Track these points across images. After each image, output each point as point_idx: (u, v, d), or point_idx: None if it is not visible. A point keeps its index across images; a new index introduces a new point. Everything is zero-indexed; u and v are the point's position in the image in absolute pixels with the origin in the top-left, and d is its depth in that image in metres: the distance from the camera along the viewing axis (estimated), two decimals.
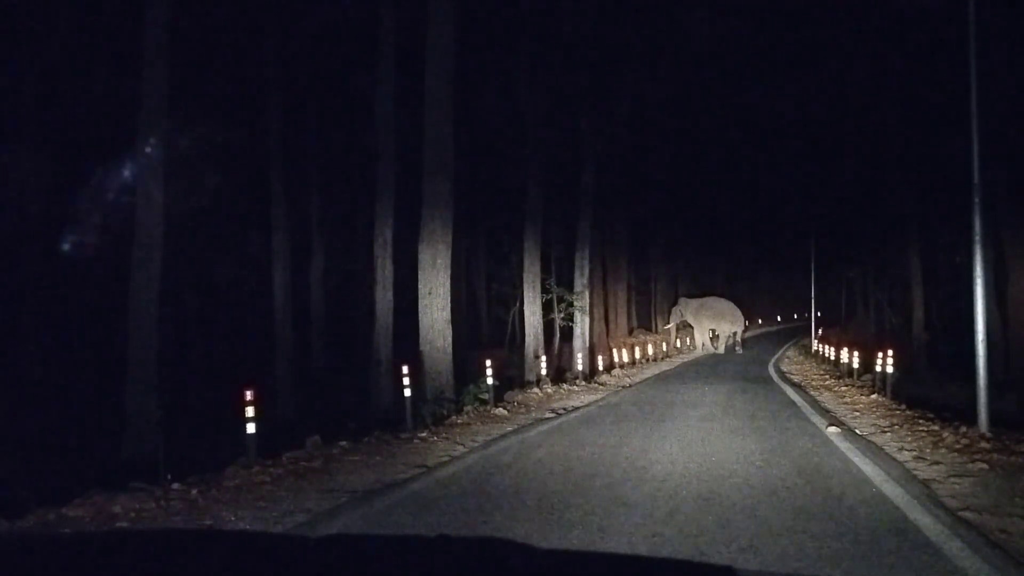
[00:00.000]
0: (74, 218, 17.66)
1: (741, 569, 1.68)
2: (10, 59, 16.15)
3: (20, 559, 1.51)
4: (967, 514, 5.34)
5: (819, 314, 37.11)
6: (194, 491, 5.94)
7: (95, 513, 5.18)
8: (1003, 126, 17.48)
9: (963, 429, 8.73)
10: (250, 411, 7.15)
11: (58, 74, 16.89)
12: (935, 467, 7.09)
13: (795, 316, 59.21)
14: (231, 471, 6.61)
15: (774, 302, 64.81)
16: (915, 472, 6.90)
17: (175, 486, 6.00)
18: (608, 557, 2.34)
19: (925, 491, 6.09)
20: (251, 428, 7.13)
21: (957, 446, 8.02)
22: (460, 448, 8.48)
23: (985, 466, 6.96)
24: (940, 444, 8.24)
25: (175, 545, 1.73)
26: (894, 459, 7.58)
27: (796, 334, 42.95)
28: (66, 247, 17.22)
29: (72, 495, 5.53)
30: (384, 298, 14.68)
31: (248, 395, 7.19)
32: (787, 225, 42.74)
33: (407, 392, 10.08)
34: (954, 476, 6.64)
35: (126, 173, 13.60)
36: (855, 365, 17.35)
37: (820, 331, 33.54)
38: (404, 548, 1.73)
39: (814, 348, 29.42)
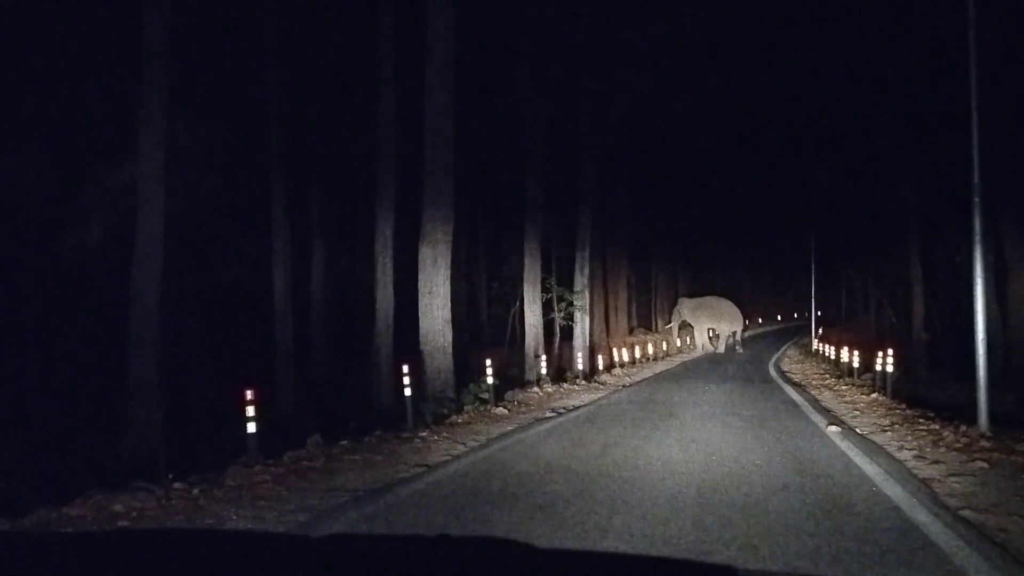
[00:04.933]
0: (75, 218, 17.66)
1: (741, 569, 1.66)
2: (11, 58, 16.16)
3: (19, 559, 1.50)
4: (967, 513, 5.34)
5: (819, 313, 37.14)
6: (195, 490, 5.95)
7: (96, 512, 5.19)
8: (1004, 125, 17.48)
9: (963, 428, 8.74)
10: (251, 410, 7.16)
11: (59, 73, 16.89)
12: (935, 466, 7.09)
13: (795, 315, 59.25)
14: (232, 470, 6.62)
15: (774, 301, 64.83)
16: (915, 471, 6.91)
17: (176, 485, 6.01)
18: (608, 557, 2.32)
19: (925, 490, 6.10)
20: (252, 427, 7.14)
21: (957, 445, 8.03)
22: (461, 447, 8.50)
23: (985, 465, 6.96)
24: (940, 443, 8.26)
25: (175, 545, 1.72)
26: (894, 458, 7.59)
27: (796, 333, 42.98)
28: (67, 247, 17.22)
29: (73, 494, 5.52)
30: (384, 297, 14.70)
31: (248, 395, 7.21)
32: (787, 224, 42.75)
33: (408, 391, 10.09)
34: (954, 475, 6.64)
35: (127, 173, 13.60)
36: (855, 364, 17.37)
37: (820, 330, 33.57)
38: (404, 548, 1.72)
39: (814, 347, 29.46)
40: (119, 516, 5.15)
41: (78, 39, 16.82)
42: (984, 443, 7.96)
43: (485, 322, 30.97)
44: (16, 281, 16.64)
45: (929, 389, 15.72)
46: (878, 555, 4.40)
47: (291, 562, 1.54)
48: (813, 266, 34.99)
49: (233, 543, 1.91)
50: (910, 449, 8.06)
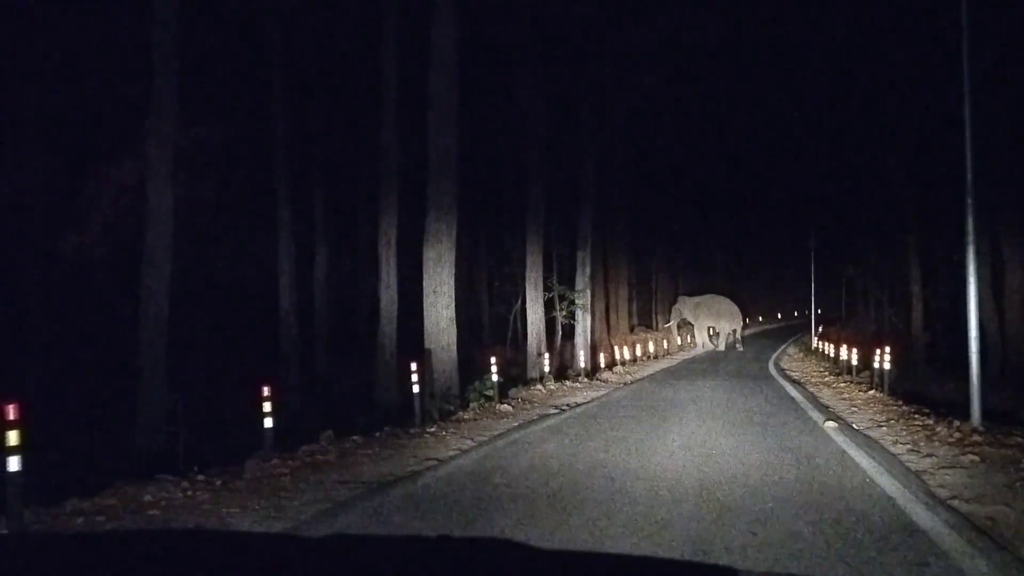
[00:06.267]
0: (81, 217, 17.88)
1: (742, 570, 1.73)
2: (19, 59, 16.36)
3: (20, 560, 1.52)
4: (956, 503, 5.59)
5: (819, 312, 37.39)
6: (218, 482, 6.20)
7: (127, 502, 5.44)
8: (1002, 123, 17.69)
9: (956, 423, 8.98)
10: (267, 406, 7.42)
11: (64, 73, 17.07)
12: (928, 459, 7.35)
13: (795, 314, 59.52)
14: (251, 463, 6.87)
15: (775, 300, 65.13)
16: (908, 464, 7.16)
17: (199, 477, 6.26)
18: (609, 558, 2.31)
19: (917, 481, 6.35)
20: (268, 423, 7.41)
21: (950, 439, 8.27)
22: (469, 442, 8.75)
23: (976, 458, 7.21)
24: (934, 438, 8.50)
25: (176, 546, 1.74)
26: (889, 452, 7.85)
27: (796, 331, 43.24)
28: (73, 246, 17.43)
29: (91, 488, 5.69)
30: (388, 296, 14.87)
31: (265, 391, 7.47)
32: (787, 223, 43.01)
33: (415, 389, 10.33)
34: (945, 467, 6.90)
35: (133, 173, 13.80)
36: (854, 362, 17.60)
37: (820, 328, 33.81)
38: (405, 548, 1.74)
39: (814, 345, 29.71)
40: (149, 506, 5.40)
41: (82, 40, 16.99)
42: (976, 437, 8.19)
43: (486, 321, 31.20)
44: (20, 281, 16.83)
45: (927, 386, 15.96)
46: (870, 541, 4.64)
47: (291, 562, 1.55)
48: (813, 265, 35.24)
49: (234, 543, 1.92)
50: (904, 443, 8.31)
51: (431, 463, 7.41)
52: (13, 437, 4.66)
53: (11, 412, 4.68)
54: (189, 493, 5.80)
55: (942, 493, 5.91)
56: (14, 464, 4.67)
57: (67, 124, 17.43)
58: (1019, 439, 7.92)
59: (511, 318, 28.66)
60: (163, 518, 5.19)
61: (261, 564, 1.51)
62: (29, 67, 16.67)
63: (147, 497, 5.51)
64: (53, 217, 17.52)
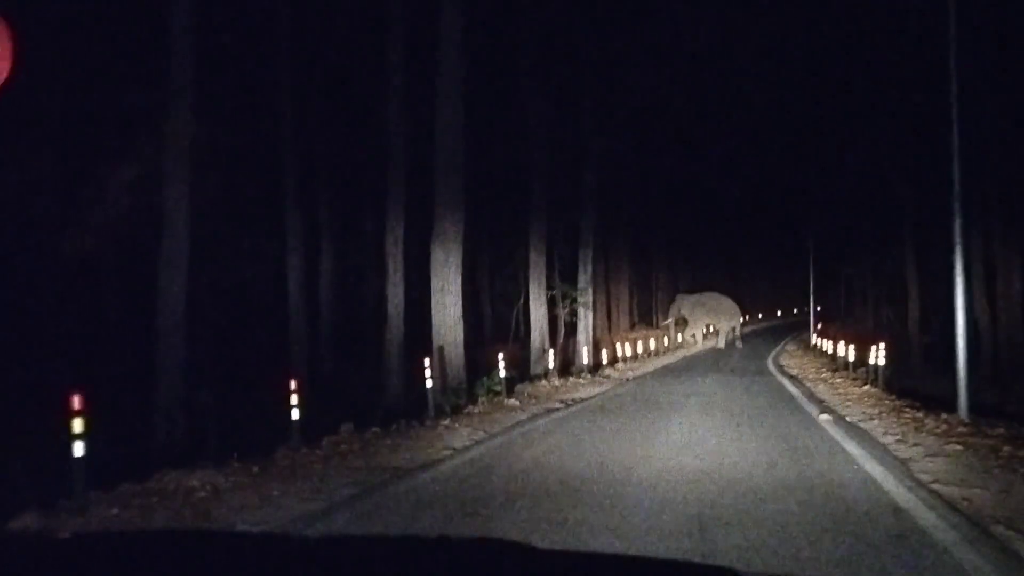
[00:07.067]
0: (88, 216, 18.25)
1: (742, 570, 1.77)
2: (27, 58, 16.67)
3: (18, 561, 1.52)
4: (936, 486, 6.06)
5: (818, 309, 37.88)
6: (254, 468, 6.67)
7: (176, 486, 5.90)
8: (994, 125, 18.11)
9: (944, 416, 9.47)
10: (294, 399, 7.91)
11: (75, 76, 17.41)
12: (914, 448, 7.82)
13: (795, 311, 59.97)
14: (281, 452, 7.35)
15: (774, 298, 65.62)
16: (895, 452, 7.64)
17: (236, 465, 6.73)
18: (608, 558, 2.32)
19: (902, 467, 6.83)
20: (295, 414, 7.91)
21: (937, 431, 8.75)
22: (482, 434, 9.24)
23: (959, 447, 7.68)
24: (922, 429, 8.98)
25: (175, 546, 1.73)
26: (878, 441, 8.33)
27: (795, 329, 43.72)
28: (81, 245, 17.79)
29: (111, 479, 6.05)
30: (395, 295, 15.24)
31: (292, 385, 7.96)
32: (787, 222, 43.48)
33: (428, 384, 10.80)
34: (930, 456, 7.37)
35: (142, 171, 14.12)
36: (850, 359, 18.06)
37: (819, 326, 34.30)
38: (404, 548, 1.75)
39: (812, 342, 30.19)
40: (195, 490, 5.87)
41: (86, 39, 17.28)
42: (962, 429, 8.68)
43: (488, 319, 31.63)
44: (26, 280, 17.17)
45: (922, 382, 16.40)
46: (856, 518, 5.12)
47: (291, 562, 1.55)
48: (811, 264, 35.71)
49: (233, 543, 1.93)
50: (893, 434, 8.78)
51: (448, 452, 7.89)
52: (78, 425, 5.12)
53: (77, 402, 5.14)
54: (231, 479, 6.27)
55: (924, 478, 6.38)
56: (79, 450, 5.13)
57: (71, 123, 17.75)
58: (1002, 430, 8.40)
59: (513, 316, 29.11)
60: (212, 500, 5.66)
61: (260, 564, 1.52)
62: (32, 66, 16.97)
63: (193, 482, 5.97)
64: (58, 216, 17.84)
